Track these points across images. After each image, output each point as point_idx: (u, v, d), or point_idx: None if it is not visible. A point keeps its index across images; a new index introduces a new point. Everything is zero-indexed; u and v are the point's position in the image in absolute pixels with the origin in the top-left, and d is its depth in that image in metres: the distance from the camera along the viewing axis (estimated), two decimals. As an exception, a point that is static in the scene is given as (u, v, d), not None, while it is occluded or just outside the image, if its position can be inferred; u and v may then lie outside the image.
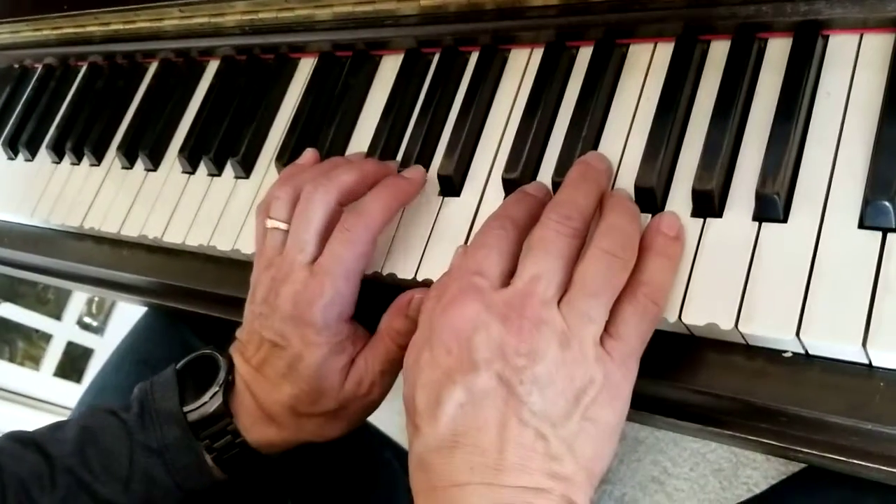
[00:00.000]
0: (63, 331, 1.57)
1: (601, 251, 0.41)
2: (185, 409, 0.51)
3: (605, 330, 0.40)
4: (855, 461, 0.40)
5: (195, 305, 0.64)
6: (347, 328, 0.50)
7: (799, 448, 0.42)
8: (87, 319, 1.61)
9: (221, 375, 0.51)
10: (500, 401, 0.38)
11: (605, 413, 0.39)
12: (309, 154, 0.57)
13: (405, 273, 0.51)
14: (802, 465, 0.59)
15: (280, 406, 0.51)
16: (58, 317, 1.58)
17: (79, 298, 1.59)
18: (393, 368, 0.51)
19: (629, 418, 0.49)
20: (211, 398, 0.51)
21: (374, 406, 0.52)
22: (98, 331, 1.61)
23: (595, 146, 0.48)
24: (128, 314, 1.35)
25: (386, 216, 0.50)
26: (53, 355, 1.55)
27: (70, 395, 1.49)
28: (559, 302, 0.40)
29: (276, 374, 0.50)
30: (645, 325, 0.41)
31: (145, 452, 0.50)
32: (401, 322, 0.50)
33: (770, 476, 1.02)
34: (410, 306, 0.49)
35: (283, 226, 0.51)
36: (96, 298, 1.61)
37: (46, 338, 1.56)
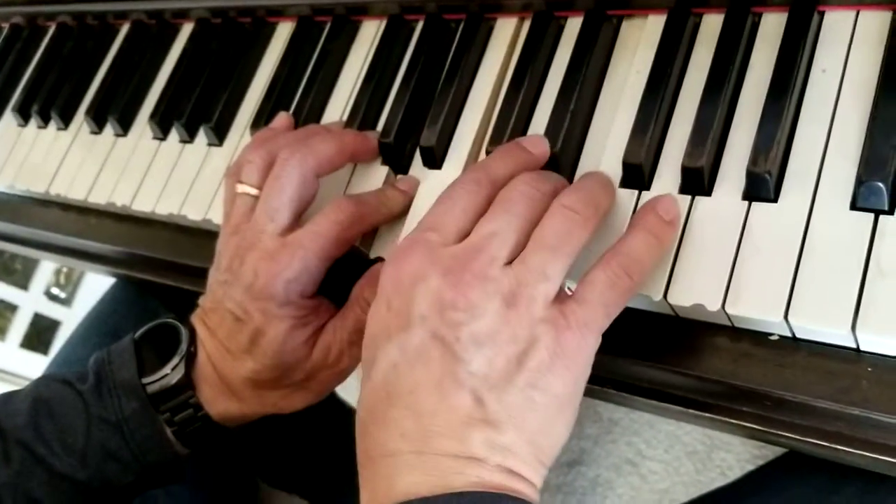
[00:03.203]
0: (30, 301, 1.54)
1: (560, 206, 0.39)
2: (145, 380, 0.48)
3: (568, 295, 0.38)
4: (838, 447, 0.40)
5: (164, 277, 0.62)
6: (310, 303, 0.48)
7: (782, 433, 0.41)
8: (54, 290, 1.57)
9: (183, 346, 0.49)
10: (436, 360, 0.36)
11: (554, 382, 0.36)
12: (283, 118, 0.56)
13: (388, 253, 0.50)
14: (779, 452, 0.59)
15: (242, 380, 0.49)
16: (24, 287, 1.54)
17: (46, 268, 1.56)
18: (361, 338, 0.49)
19: (608, 400, 0.49)
20: (172, 370, 0.48)
21: (341, 377, 0.51)
22: (66, 302, 1.58)
23: (583, 120, 0.47)
24: (96, 285, 1.32)
25: (385, 217, 0.49)
26: (20, 326, 1.52)
27: (36, 367, 1.46)
28: (513, 262, 0.37)
29: (238, 348, 0.48)
30: (612, 296, 0.38)
31: (102, 425, 0.48)
32: (371, 292, 0.47)
33: (744, 459, 1.02)
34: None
35: (253, 191, 0.49)
36: (64, 269, 1.58)
37: (12, 308, 1.52)
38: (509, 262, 0.37)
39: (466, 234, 0.39)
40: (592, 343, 0.37)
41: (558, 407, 0.36)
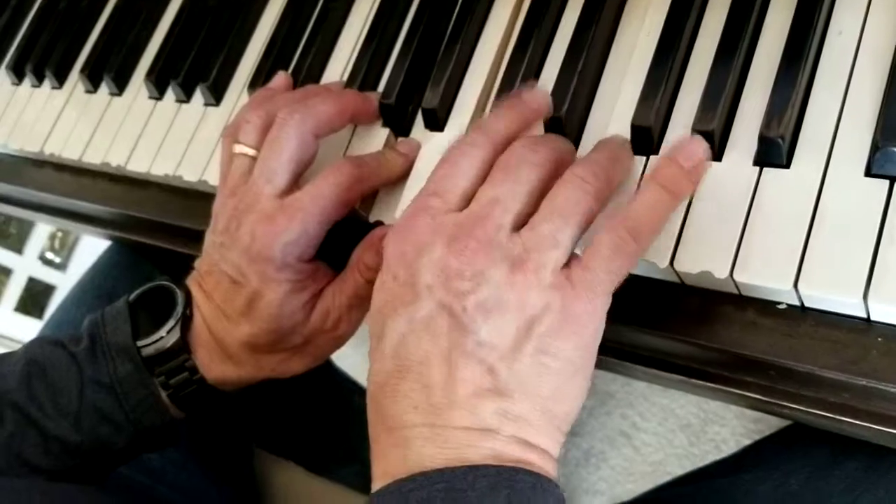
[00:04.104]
0: (24, 265, 1.53)
1: (571, 174, 0.38)
2: (139, 343, 0.48)
3: (576, 259, 0.37)
4: (844, 418, 0.39)
5: (159, 239, 0.61)
6: (308, 267, 0.47)
7: (786, 403, 0.40)
8: (49, 255, 1.56)
9: (179, 309, 0.48)
10: (443, 330, 0.35)
11: (563, 347, 0.35)
12: (281, 78, 0.54)
13: (390, 219, 0.49)
14: (775, 427, 0.59)
15: (239, 344, 0.48)
16: (19, 251, 1.53)
17: (41, 232, 1.54)
18: (360, 303, 0.48)
19: (609, 369, 0.48)
20: (168, 333, 0.48)
21: (340, 342, 0.50)
22: (61, 267, 1.57)
23: (591, 82, 0.46)
24: (91, 250, 1.31)
25: (385, 179, 0.48)
26: (14, 290, 1.51)
27: (31, 331, 1.46)
28: (523, 229, 0.37)
29: (235, 312, 0.47)
30: (617, 261, 0.36)
31: (96, 387, 0.47)
32: (371, 257, 0.47)
33: (739, 433, 1.02)
34: (383, 242, 0.47)
35: (251, 152, 0.48)
36: (59, 233, 1.57)
37: (7, 272, 1.51)
38: (515, 229, 0.37)
39: (470, 198, 0.38)
40: (601, 306, 0.37)
41: (571, 372, 0.36)
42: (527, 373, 0.35)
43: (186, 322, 0.48)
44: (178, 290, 0.49)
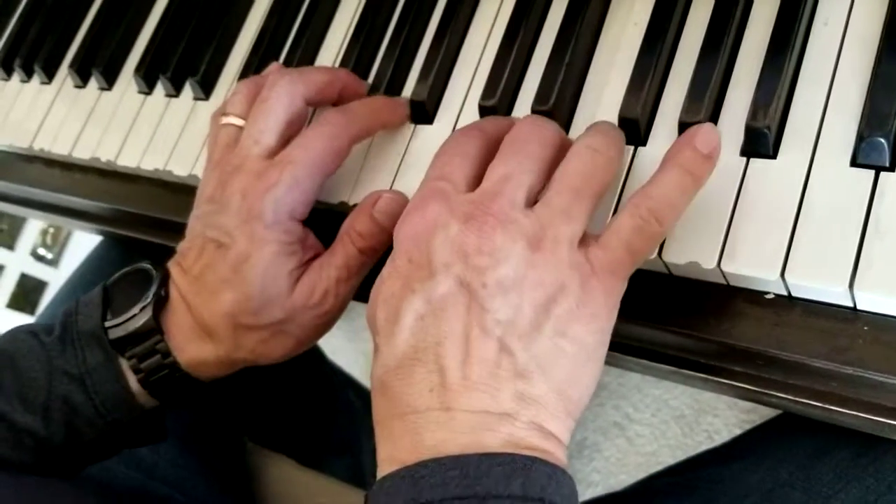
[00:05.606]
0: (16, 261, 1.52)
1: (583, 146, 0.37)
2: (107, 324, 0.45)
3: (594, 239, 0.36)
4: (831, 407, 0.39)
5: (149, 234, 0.61)
6: (300, 229, 0.46)
7: (774, 392, 0.41)
8: (41, 251, 1.56)
9: (153, 288, 0.46)
10: (462, 308, 0.34)
11: (580, 329, 0.35)
12: (274, 67, 0.54)
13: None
14: (767, 417, 0.59)
15: (219, 317, 0.46)
16: (10, 247, 1.52)
17: (33, 228, 1.54)
18: (350, 275, 0.46)
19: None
20: (140, 311, 0.45)
21: (325, 319, 0.47)
22: (53, 263, 1.56)
23: (578, 74, 0.46)
24: (84, 246, 1.31)
25: (373, 125, 0.48)
26: (6, 287, 1.50)
27: (23, 327, 1.45)
28: (536, 204, 0.36)
29: (217, 280, 0.45)
30: (639, 242, 0.36)
31: (65, 378, 0.45)
32: (364, 223, 0.45)
33: (731, 423, 1.02)
34: (377, 206, 0.45)
35: (238, 122, 0.47)
36: (51, 229, 1.56)
37: (-2, 268, 1.51)
38: (529, 205, 0.36)
39: (475, 181, 0.38)
40: (619, 290, 0.36)
41: (586, 356, 0.35)
42: (544, 354, 0.34)
43: (161, 303, 0.46)
44: (154, 271, 0.47)
